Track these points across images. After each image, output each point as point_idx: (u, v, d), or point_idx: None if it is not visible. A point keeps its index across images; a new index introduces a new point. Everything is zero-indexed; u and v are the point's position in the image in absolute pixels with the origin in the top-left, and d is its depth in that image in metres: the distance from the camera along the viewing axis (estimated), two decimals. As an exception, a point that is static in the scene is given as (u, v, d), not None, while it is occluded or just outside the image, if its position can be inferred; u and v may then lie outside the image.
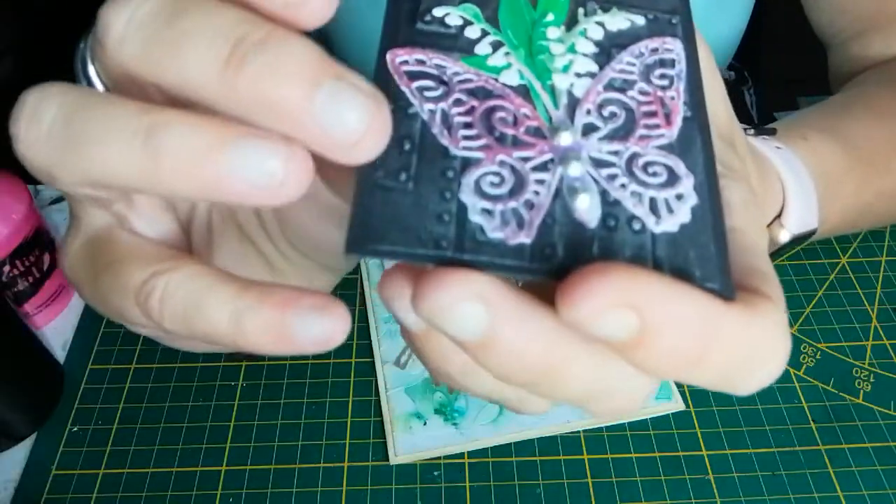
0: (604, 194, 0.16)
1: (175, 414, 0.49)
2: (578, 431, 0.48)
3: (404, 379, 0.50)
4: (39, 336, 0.51)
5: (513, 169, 0.16)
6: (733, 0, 0.57)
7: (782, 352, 0.16)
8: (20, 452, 0.47)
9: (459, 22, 0.18)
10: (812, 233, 0.37)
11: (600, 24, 0.19)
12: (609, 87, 0.18)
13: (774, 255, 0.36)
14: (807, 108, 0.47)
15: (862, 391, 0.50)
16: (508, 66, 0.18)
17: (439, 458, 0.46)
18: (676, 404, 0.49)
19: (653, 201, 0.16)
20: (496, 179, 0.16)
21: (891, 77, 0.50)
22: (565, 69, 0.18)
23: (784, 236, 0.34)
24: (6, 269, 0.49)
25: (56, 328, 0.54)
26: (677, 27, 0.19)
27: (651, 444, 0.47)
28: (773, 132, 0.35)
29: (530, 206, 0.16)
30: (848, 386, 0.50)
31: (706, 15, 0.56)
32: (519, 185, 0.16)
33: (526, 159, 0.16)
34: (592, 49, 0.18)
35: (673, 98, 0.18)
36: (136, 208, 0.19)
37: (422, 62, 0.18)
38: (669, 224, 0.16)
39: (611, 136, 0.17)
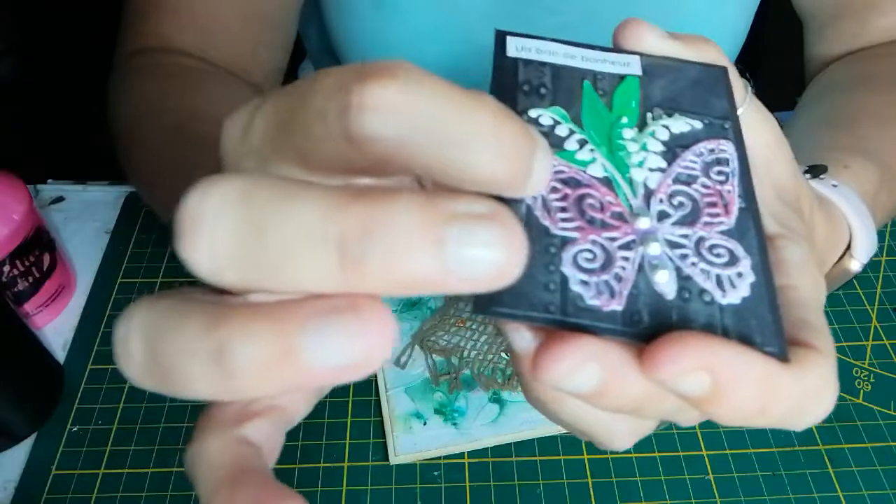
0: (678, 270, 0.19)
1: (175, 414, 0.49)
2: (578, 431, 0.48)
3: (404, 379, 0.50)
4: (39, 336, 0.51)
5: (603, 247, 0.19)
6: (735, 1, 0.57)
7: (829, 398, 0.19)
8: (20, 452, 0.47)
9: (550, 122, 0.21)
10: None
11: (666, 126, 0.21)
12: (677, 180, 0.21)
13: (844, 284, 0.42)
14: (810, 119, 0.50)
15: (862, 391, 0.50)
16: (594, 160, 0.20)
17: (439, 458, 0.46)
18: (676, 404, 0.49)
19: (718, 278, 0.19)
20: (590, 255, 0.19)
21: (865, 76, 0.53)
22: (640, 164, 0.21)
23: (856, 266, 0.39)
24: (6, 269, 0.49)
25: (56, 328, 0.54)
26: (729, 131, 0.22)
27: (651, 444, 0.47)
28: (824, 170, 0.40)
29: (619, 279, 0.19)
30: (848, 386, 0.50)
31: (708, 15, 0.56)
32: (608, 261, 0.19)
33: (613, 239, 0.19)
34: (661, 148, 0.21)
35: (729, 191, 0.21)
36: None
37: None
38: (733, 297, 0.19)
39: (681, 222, 0.20)
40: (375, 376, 0.50)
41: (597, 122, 0.21)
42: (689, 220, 0.20)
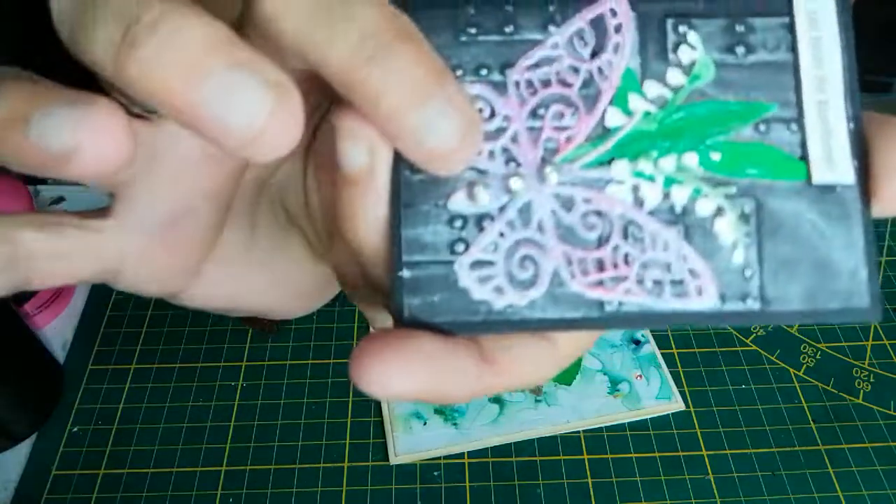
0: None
1: (175, 414, 0.49)
2: (578, 431, 0.48)
3: (404, 379, 0.50)
4: (39, 336, 0.51)
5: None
6: None
7: None
8: (20, 452, 0.47)
9: None
10: None
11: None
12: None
13: None
14: None
15: (862, 391, 0.50)
16: None
17: (439, 458, 0.46)
18: (676, 404, 0.49)
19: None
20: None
21: None
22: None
23: None
24: (6, 269, 0.49)
25: (56, 328, 0.54)
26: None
27: (651, 444, 0.47)
28: None
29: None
30: (848, 386, 0.50)
31: None
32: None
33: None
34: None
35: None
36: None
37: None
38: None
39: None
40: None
41: None
42: None
